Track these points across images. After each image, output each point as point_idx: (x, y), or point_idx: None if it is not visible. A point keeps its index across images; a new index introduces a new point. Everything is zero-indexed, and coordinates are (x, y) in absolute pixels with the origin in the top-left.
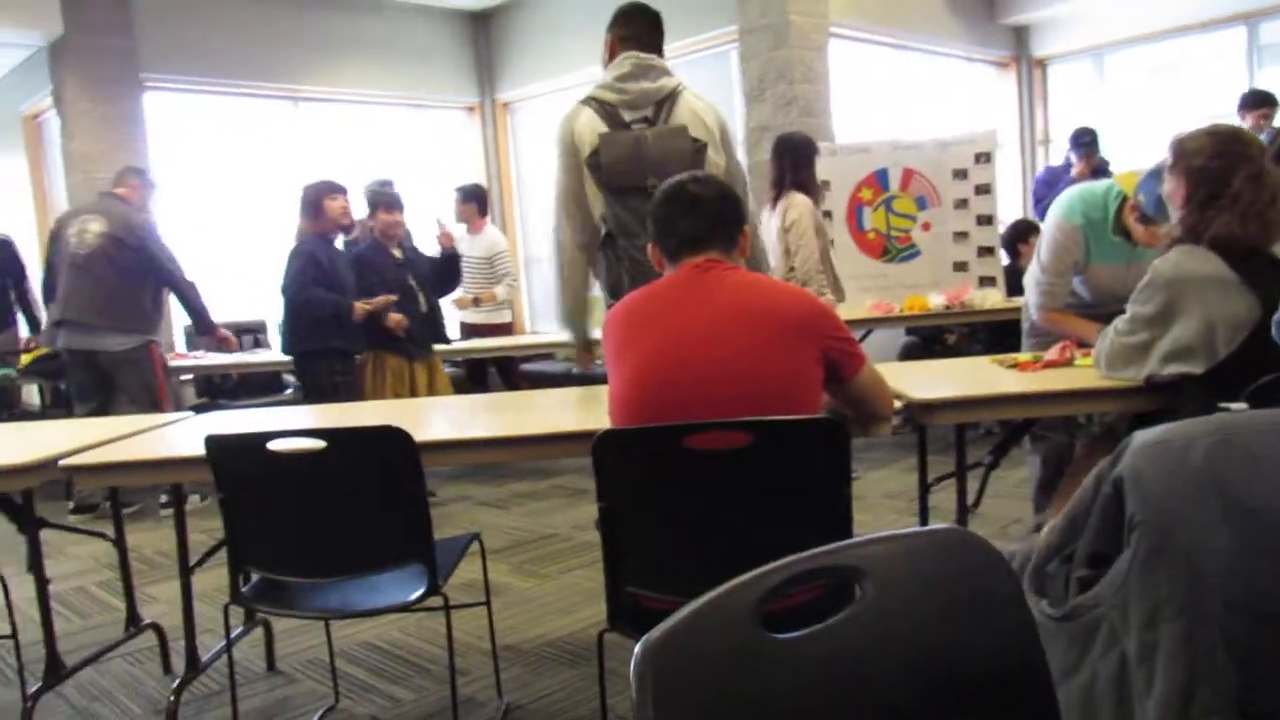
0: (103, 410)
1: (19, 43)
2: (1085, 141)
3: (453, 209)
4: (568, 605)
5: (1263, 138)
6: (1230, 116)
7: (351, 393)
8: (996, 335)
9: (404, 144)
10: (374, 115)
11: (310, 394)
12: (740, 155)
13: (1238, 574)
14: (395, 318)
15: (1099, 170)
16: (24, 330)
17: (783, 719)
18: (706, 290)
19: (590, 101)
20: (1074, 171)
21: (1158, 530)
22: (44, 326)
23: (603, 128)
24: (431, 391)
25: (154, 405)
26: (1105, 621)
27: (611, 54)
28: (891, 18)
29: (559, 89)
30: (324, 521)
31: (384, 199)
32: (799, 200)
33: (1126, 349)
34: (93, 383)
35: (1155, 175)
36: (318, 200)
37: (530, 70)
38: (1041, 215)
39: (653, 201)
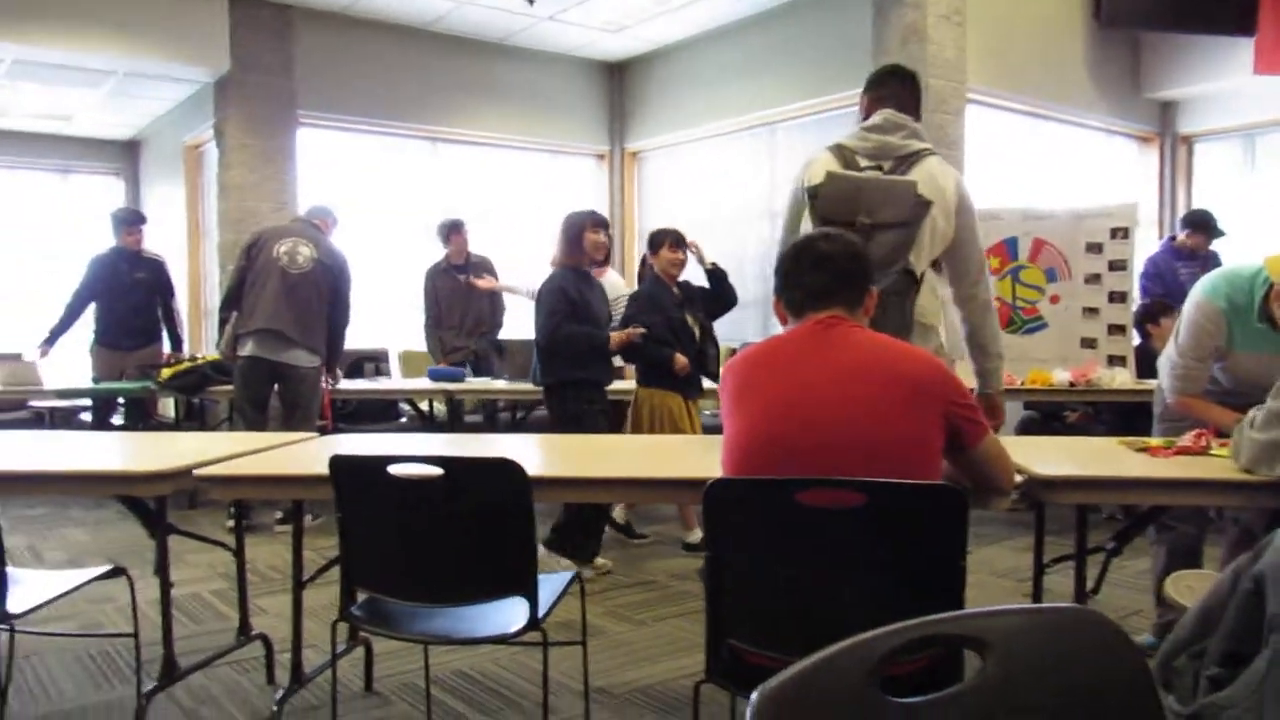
0: (264, 423)
1: (189, 78)
2: (1196, 222)
3: None
4: (661, 653)
5: None
6: None
7: (599, 424)
8: (1121, 417)
9: (535, 188)
10: (507, 159)
11: (559, 424)
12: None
13: None
14: (681, 360)
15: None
16: (166, 346)
17: None
18: (830, 346)
19: (835, 147)
20: (1187, 242)
21: None
22: (225, 334)
23: (836, 168)
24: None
25: (315, 423)
26: None
27: (866, 115)
28: (1031, 86)
29: (685, 140)
30: (434, 548)
31: (670, 236)
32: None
33: (1263, 445)
34: (265, 395)
35: None
36: (579, 232)
37: (659, 121)
38: (1145, 297)
39: (780, 255)
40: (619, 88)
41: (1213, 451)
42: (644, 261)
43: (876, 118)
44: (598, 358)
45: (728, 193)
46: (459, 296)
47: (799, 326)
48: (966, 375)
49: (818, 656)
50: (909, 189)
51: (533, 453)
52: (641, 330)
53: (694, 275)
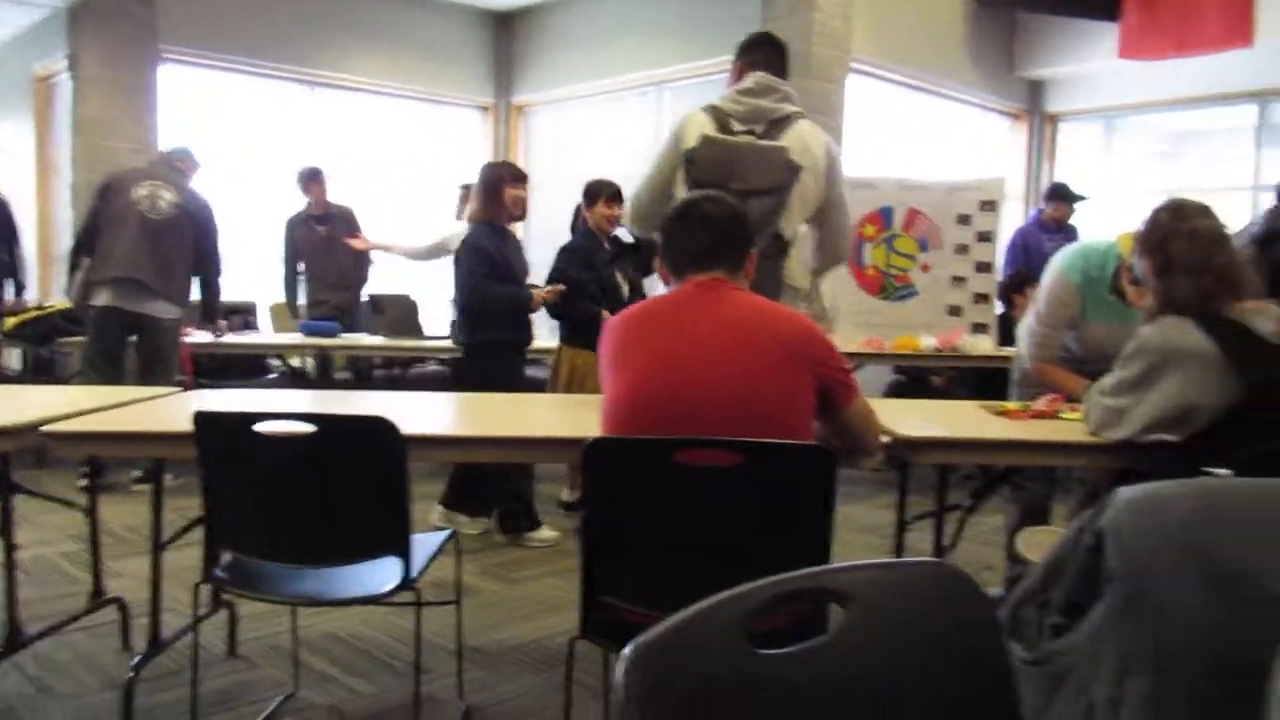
0: (118, 377)
1: (37, 1)
2: (1056, 193)
3: (455, 206)
4: (537, 611)
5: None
6: (1238, 191)
7: (523, 384)
8: (983, 382)
9: (416, 139)
10: (388, 107)
11: (480, 385)
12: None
13: (1209, 635)
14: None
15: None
16: (10, 293)
17: None
18: (709, 308)
19: (709, 108)
20: (1053, 215)
21: (1133, 585)
22: (76, 282)
23: (711, 131)
24: None
25: (174, 378)
26: (1075, 670)
27: (738, 79)
28: (912, 59)
29: (573, 96)
30: (304, 507)
31: (608, 190)
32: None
33: (1108, 411)
34: (120, 348)
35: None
36: (497, 186)
37: (547, 75)
38: (1011, 268)
39: (665, 217)
40: (506, 39)
41: (1063, 415)
42: (577, 213)
43: (749, 81)
44: (520, 317)
45: (615, 151)
46: (320, 249)
47: (680, 287)
48: (846, 341)
49: (689, 611)
50: (782, 155)
51: (410, 411)
52: (560, 288)
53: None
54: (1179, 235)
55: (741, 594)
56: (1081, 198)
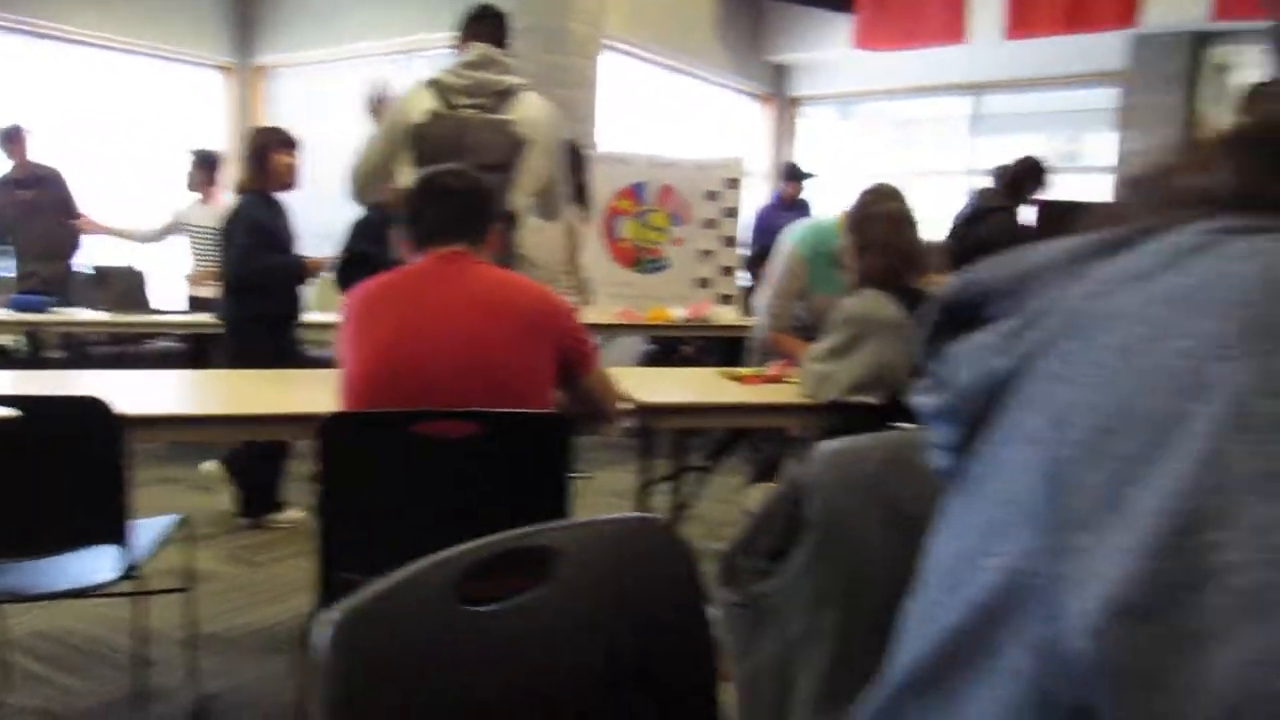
0: None
1: None
2: (791, 175)
3: (185, 173)
4: (279, 594)
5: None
6: (956, 175)
7: (293, 360)
8: (732, 350)
9: (147, 98)
10: (116, 63)
11: (249, 362)
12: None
13: (889, 570)
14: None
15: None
16: None
17: (474, 689)
18: (449, 281)
19: (432, 83)
20: (788, 192)
21: (828, 529)
22: None
23: (436, 106)
24: None
25: None
26: (778, 608)
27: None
28: (665, 39)
29: (323, 60)
30: (9, 496)
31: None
32: None
33: (817, 375)
34: None
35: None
36: (264, 153)
37: (294, 36)
38: (755, 245)
39: (407, 190)
40: None
41: (789, 380)
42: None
43: (472, 53)
44: (293, 289)
45: (366, 121)
46: (24, 215)
47: (422, 260)
48: (601, 313)
49: (398, 575)
50: (511, 129)
51: (136, 390)
52: (334, 256)
53: None
54: (872, 216)
55: (452, 555)
56: (809, 175)
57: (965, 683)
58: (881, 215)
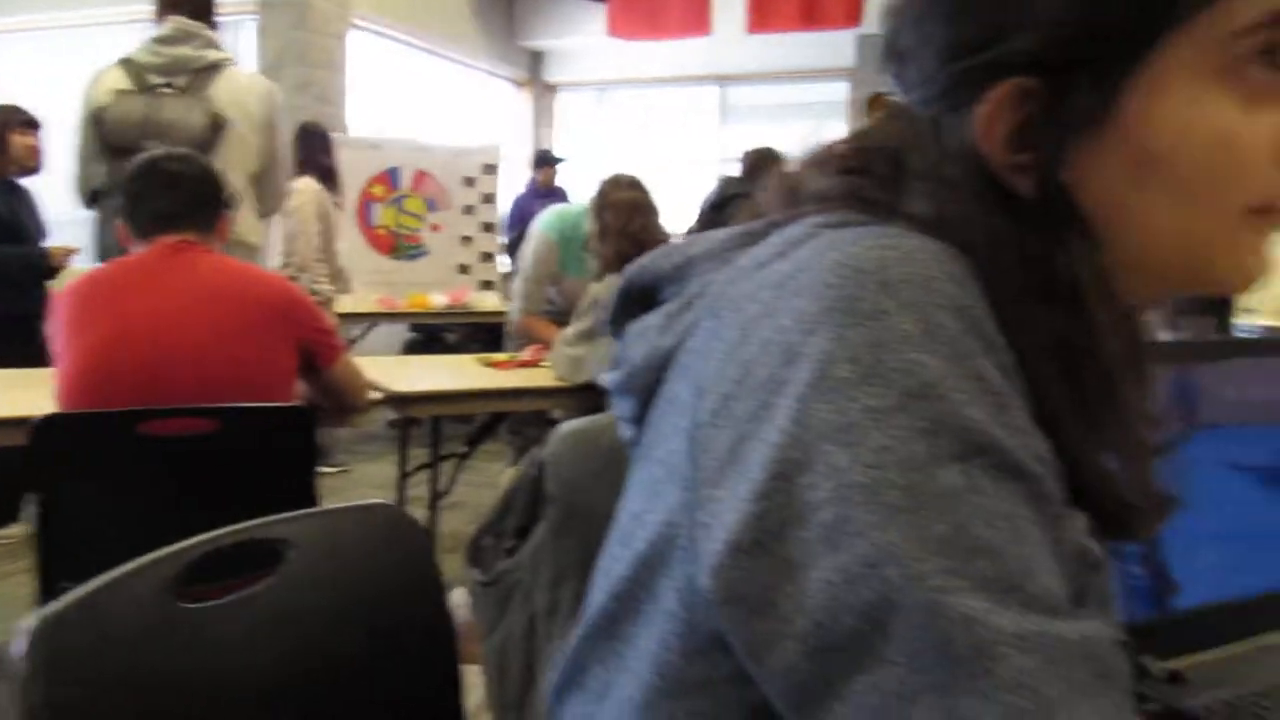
0: None
1: None
2: (543, 162)
3: None
4: (4, 614)
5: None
6: (705, 163)
7: (38, 360)
8: (495, 336)
9: None
10: None
11: None
12: None
13: None
14: None
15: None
16: None
17: (194, 688)
18: (178, 271)
19: (124, 61)
20: (540, 179)
21: (567, 505)
22: None
23: (125, 86)
24: None
25: None
26: (521, 584)
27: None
28: (417, 20)
29: (55, 25)
30: None
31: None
32: (305, 185)
33: (569, 359)
34: None
35: None
36: (1, 133)
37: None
38: (513, 232)
39: (125, 175)
40: None
41: (544, 363)
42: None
43: (166, 27)
44: (35, 283)
45: None
46: None
47: (146, 250)
48: (359, 301)
49: (109, 576)
50: (200, 110)
51: None
52: (76, 247)
53: None
54: (610, 204)
55: (172, 552)
56: (559, 160)
57: (633, 625)
58: (618, 204)
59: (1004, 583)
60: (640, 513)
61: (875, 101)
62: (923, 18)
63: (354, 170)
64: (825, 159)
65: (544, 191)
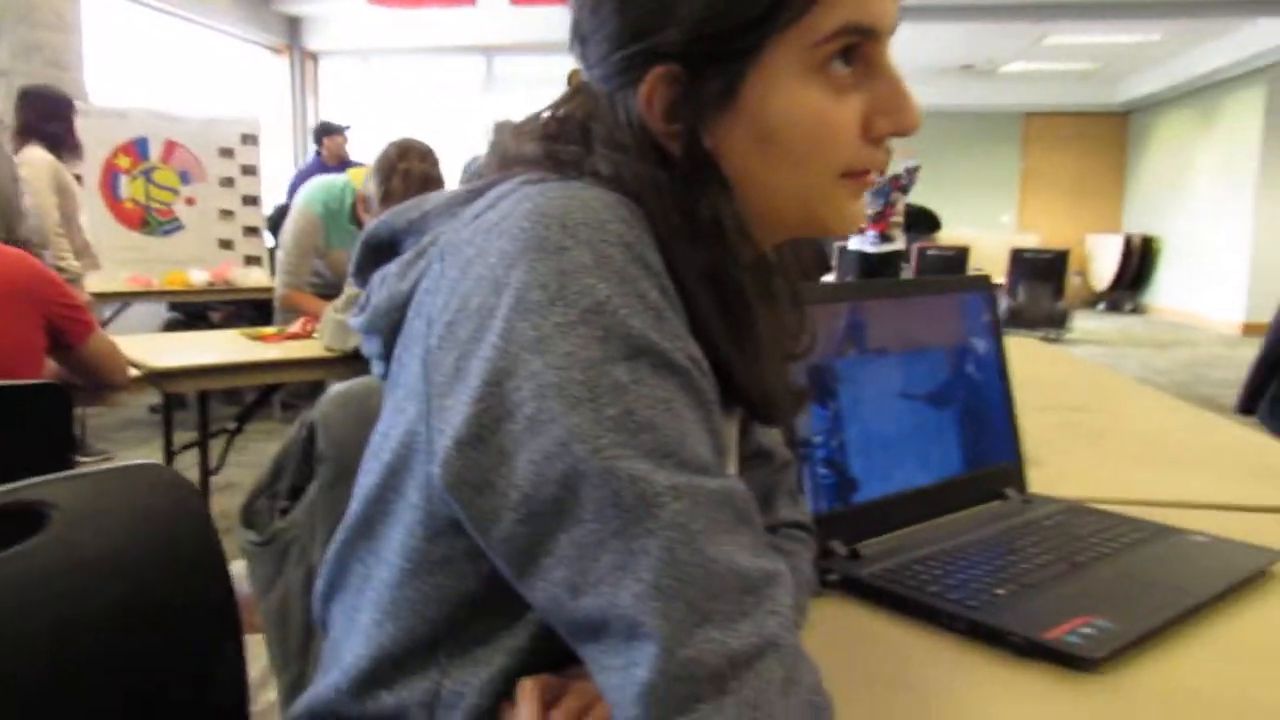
0: None
1: None
2: (326, 132)
3: None
4: None
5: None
6: (471, 132)
7: None
8: (264, 313)
9: None
10: None
11: None
12: None
13: None
14: None
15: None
16: None
17: None
18: None
19: None
20: (328, 148)
21: (338, 462)
22: None
23: None
24: None
25: None
26: (297, 541)
27: None
28: None
29: None
30: None
31: None
32: (35, 156)
33: (339, 326)
34: None
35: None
36: None
37: None
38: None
39: None
40: None
41: (315, 336)
42: None
43: None
44: None
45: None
46: None
47: None
48: (109, 280)
49: None
50: None
51: None
52: None
53: None
54: (398, 172)
55: None
56: (345, 127)
57: (384, 523)
58: (409, 173)
59: (663, 450)
60: (387, 430)
61: (574, 75)
62: (599, 6)
63: (96, 140)
64: (530, 128)
65: (335, 165)
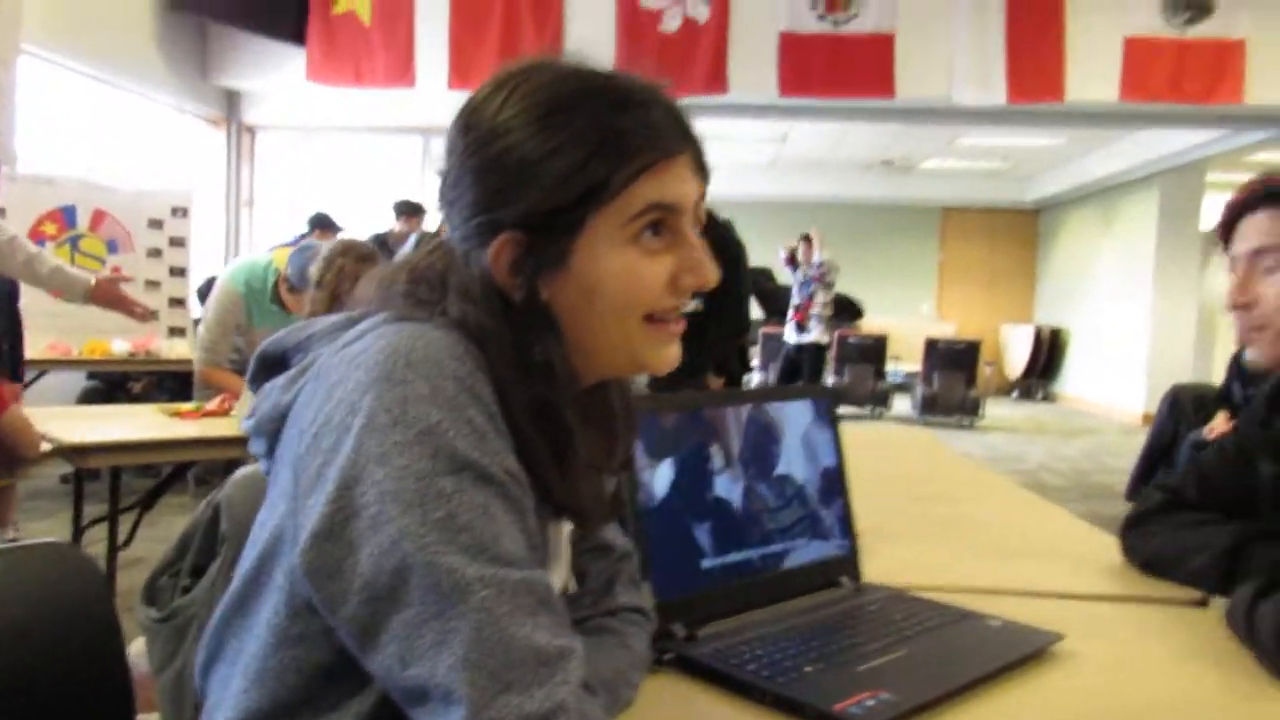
0: None
1: None
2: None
3: None
4: None
5: (412, 239)
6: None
7: None
8: (186, 386)
9: None
10: None
11: None
12: None
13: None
14: None
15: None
16: None
17: None
18: None
19: None
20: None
21: (240, 542)
22: None
23: None
24: None
25: None
26: (197, 619)
27: None
28: (98, 52)
29: None
30: None
31: None
32: None
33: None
34: None
35: (302, 251)
36: None
37: None
38: None
39: None
40: None
41: (234, 413)
42: None
43: None
44: None
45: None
46: None
47: None
48: (30, 347)
49: None
50: None
51: None
52: None
53: None
54: (333, 267)
55: None
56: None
57: (256, 602)
58: (343, 271)
59: (477, 547)
60: (264, 521)
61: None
62: (459, 180)
63: (23, 207)
64: (401, 270)
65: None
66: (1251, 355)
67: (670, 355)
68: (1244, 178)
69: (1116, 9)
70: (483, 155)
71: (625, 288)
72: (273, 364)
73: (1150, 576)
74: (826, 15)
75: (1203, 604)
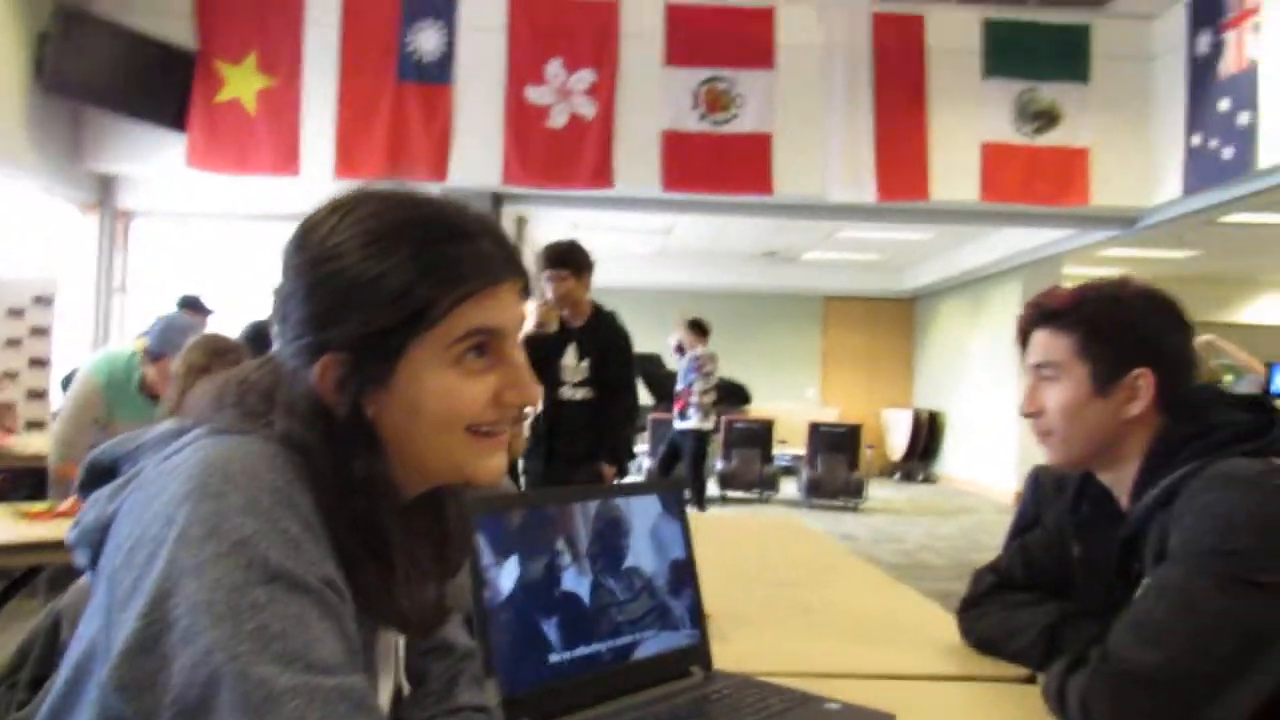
0: None
1: None
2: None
3: None
4: None
5: None
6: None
7: None
8: (42, 483)
9: None
10: None
11: None
12: None
13: None
14: None
15: None
16: None
17: None
18: None
19: None
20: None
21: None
22: None
23: None
24: None
25: None
26: None
27: None
28: None
29: None
30: None
31: None
32: None
33: None
34: None
35: (160, 319)
36: None
37: None
38: None
39: None
40: None
41: None
42: None
43: None
44: None
45: None
46: None
47: None
48: None
49: None
50: None
51: None
52: None
53: None
54: (184, 360)
55: None
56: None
57: (68, 714)
58: (189, 363)
59: (290, 655)
60: (80, 634)
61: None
62: (288, 300)
63: None
64: (231, 383)
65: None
66: (1046, 457)
67: (495, 465)
68: (1097, 271)
69: (974, 116)
70: (313, 275)
71: (446, 407)
72: (102, 473)
73: (984, 655)
74: (707, 115)
75: (1030, 680)
